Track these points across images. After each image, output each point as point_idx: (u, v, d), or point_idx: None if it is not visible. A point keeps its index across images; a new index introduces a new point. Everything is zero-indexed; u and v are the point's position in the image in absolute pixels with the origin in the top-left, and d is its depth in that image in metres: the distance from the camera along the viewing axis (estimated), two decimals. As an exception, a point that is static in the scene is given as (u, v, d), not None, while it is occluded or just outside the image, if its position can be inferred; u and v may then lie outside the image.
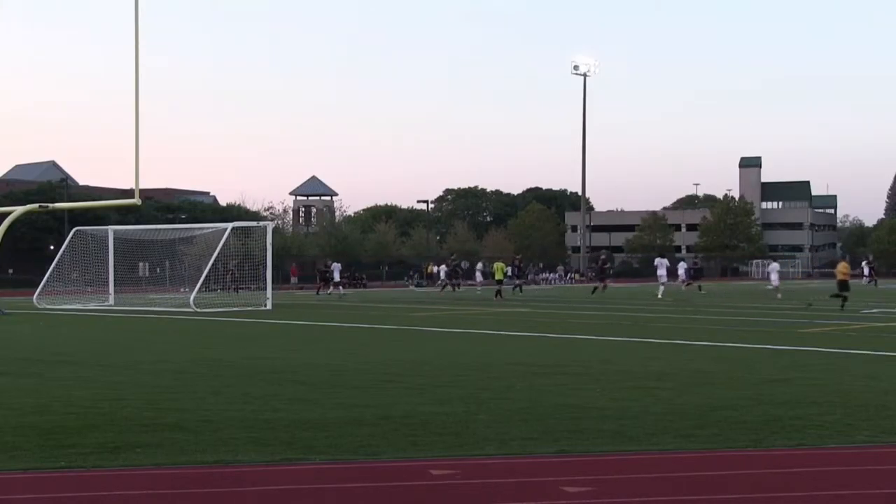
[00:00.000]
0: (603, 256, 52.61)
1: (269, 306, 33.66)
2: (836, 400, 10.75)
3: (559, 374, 13.33)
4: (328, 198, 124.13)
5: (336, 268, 48.42)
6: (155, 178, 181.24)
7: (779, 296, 41.82)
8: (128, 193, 33.05)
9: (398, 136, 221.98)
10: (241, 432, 8.75)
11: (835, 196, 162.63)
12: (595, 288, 46.53)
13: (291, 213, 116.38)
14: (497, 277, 45.63)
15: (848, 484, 7.01)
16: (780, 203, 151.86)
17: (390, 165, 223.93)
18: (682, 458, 7.82)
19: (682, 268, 53.31)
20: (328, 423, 9.22)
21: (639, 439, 8.50)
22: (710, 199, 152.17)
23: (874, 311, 31.19)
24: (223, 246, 35.17)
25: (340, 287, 48.04)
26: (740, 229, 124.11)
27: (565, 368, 14.19)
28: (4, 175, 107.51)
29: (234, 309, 32.64)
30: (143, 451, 7.92)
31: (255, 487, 6.89)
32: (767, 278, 54.66)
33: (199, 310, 31.26)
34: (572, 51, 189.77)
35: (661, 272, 46.74)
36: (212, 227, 40.91)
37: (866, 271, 69.18)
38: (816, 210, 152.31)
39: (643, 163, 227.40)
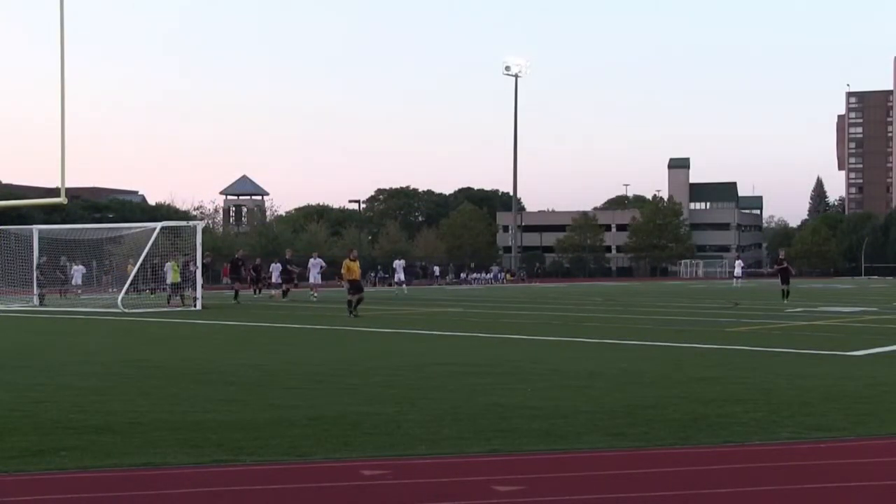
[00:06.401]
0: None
1: (198, 307, 33.27)
2: (760, 398, 10.96)
3: (490, 374, 13.39)
4: (259, 197, 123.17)
5: (275, 268, 47.34)
6: (82, 177, 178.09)
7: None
8: (54, 192, 32.39)
9: (329, 136, 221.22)
10: (170, 434, 8.64)
11: (760, 197, 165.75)
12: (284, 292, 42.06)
13: (222, 212, 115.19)
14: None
15: (771, 480, 7.15)
16: (708, 204, 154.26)
17: (322, 165, 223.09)
18: (611, 457, 7.91)
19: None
20: (258, 425, 9.16)
21: (569, 438, 8.58)
22: (639, 200, 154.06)
23: (798, 310, 31.84)
24: (152, 245, 34.67)
25: (272, 290, 47.28)
26: (669, 229, 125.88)
27: (497, 368, 14.25)
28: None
29: (163, 310, 32.20)
30: (69, 454, 7.78)
31: (184, 490, 6.81)
32: (732, 274, 70.05)
33: (126, 310, 30.79)
34: (504, 51, 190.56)
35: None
36: (140, 227, 40.32)
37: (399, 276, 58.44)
38: (743, 211, 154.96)
39: (574, 163, 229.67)
